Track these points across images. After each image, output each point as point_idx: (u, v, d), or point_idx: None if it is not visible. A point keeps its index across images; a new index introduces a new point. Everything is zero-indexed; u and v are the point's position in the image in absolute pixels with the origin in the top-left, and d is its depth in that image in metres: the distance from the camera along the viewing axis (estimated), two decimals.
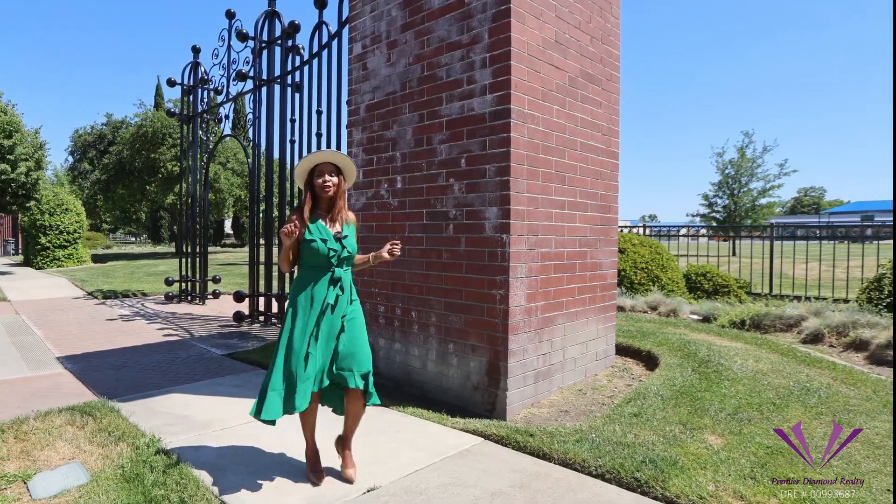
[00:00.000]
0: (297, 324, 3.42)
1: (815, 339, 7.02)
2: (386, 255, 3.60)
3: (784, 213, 34.79)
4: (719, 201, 33.72)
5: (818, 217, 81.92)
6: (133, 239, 65.62)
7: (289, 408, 3.30)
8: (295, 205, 8.21)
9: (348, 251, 3.50)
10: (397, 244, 3.58)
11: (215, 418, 4.51)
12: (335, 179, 3.51)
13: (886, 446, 3.68)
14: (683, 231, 15.96)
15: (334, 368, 3.40)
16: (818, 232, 13.12)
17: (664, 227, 15.77)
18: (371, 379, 3.48)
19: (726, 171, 32.89)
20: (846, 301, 9.45)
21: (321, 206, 3.55)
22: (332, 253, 3.42)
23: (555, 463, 3.62)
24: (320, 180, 3.48)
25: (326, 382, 3.39)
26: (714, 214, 33.98)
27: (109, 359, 6.76)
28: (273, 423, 3.35)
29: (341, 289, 3.48)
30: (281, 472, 3.53)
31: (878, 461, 3.50)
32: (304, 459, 3.58)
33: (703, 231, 16.00)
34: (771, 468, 3.39)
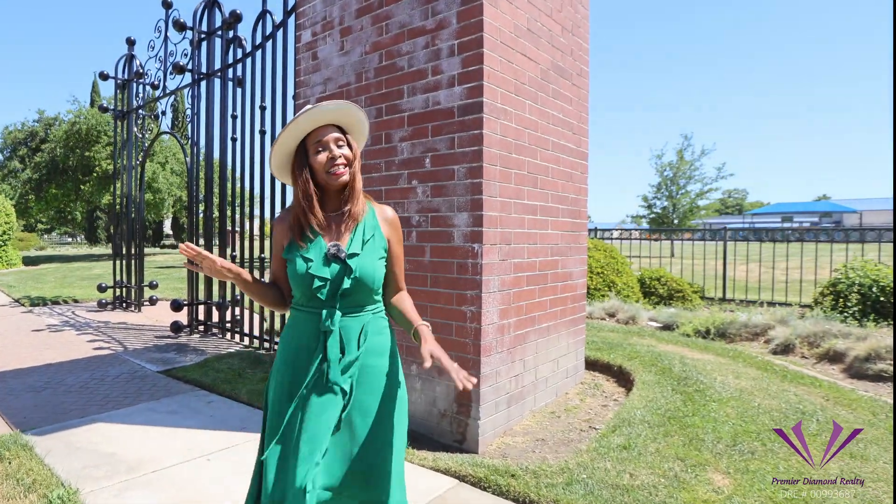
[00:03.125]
0: (272, 408, 2.09)
1: (785, 349, 6.77)
2: (444, 361, 2.04)
3: (710, 214, 35.81)
4: (658, 203, 34.17)
5: (742, 217, 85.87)
6: (69, 240, 63.06)
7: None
8: (260, 206, 7.11)
9: (356, 278, 1.98)
10: (463, 373, 2.03)
11: (147, 457, 3.89)
12: (347, 152, 2.04)
13: None
14: (626, 233, 15.93)
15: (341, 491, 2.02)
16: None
17: (613, 228, 15.68)
18: None
19: (665, 174, 33.32)
20: (808, 307, 9.29)
21: (328, 200, 2.10)
22: (317, 283, 1.96)
23: None
24: (322, 157, 2.01)
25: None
26: (652, 216, 34.44)
27: (30, 378, 6.03)
28: None
29: (342, 349, 2.00)
30: None
31: None
32: None
33: (637, 233, 16.04)
34: None
